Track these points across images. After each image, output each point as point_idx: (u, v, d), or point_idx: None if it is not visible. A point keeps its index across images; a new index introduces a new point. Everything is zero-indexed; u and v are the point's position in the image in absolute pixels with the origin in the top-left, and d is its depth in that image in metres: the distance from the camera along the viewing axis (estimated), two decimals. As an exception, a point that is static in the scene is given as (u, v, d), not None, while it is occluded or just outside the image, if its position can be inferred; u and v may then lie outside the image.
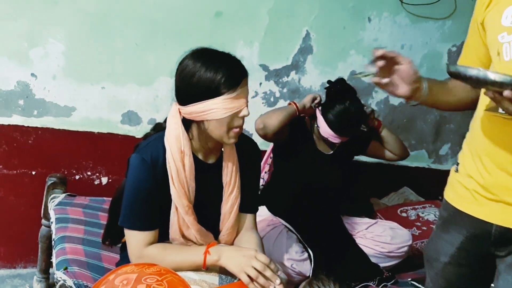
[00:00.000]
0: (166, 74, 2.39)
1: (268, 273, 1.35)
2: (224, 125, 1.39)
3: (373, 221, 2.28)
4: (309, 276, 1.95)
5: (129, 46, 2.30)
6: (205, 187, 1.48)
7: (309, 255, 2.01)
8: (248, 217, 1.62)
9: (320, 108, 2.13)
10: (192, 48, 1.42)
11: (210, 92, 1.35)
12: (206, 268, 1.41)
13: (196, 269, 1.42)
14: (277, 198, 2.20)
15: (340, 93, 2.11)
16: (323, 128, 2.10)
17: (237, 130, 1.42)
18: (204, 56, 1.38)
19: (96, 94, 2.31)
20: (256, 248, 1.48)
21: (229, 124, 1.39)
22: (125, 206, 1.44)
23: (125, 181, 1.46)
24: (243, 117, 1.40)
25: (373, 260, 2.12)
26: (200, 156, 1.50)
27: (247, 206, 1.61)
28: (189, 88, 1.38)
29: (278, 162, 2.26)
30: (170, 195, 1.44)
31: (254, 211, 1.66)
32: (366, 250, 2.15)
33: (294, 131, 2.15)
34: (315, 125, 2.16)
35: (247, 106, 1.40)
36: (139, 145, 1.49)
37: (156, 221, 1.45)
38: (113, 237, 1.63)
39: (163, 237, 1.49)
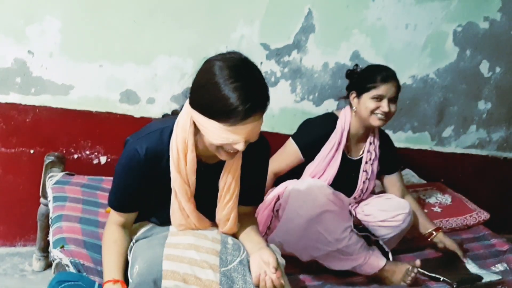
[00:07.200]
0: (165, 53, 2.35)
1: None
2: (214, 146, 1.33)
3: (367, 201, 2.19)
4: None
5: (126, 23, 2.25)
6: (204, 186, 1.46)
7: None
8: (248, 207, 1.61)
9: (351, 94, 2.09)
10: (227, 51, 1.31)
11: (210, 111, 1.26)
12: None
13: None
14: None
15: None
16: (364, 101, 2.04)
17: (230, 152, 1.33)
18: (228, 72, 1.24)
19: (94, 72, 2.28)
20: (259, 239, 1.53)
21: (221, 146, 1.32)
22: (112, 185, 1.50)
23: None
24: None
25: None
26: (202, 156, 1.45)
27: (249, 199, 1.57)
28: (196, 94, 1.31)
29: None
30: (169, 185, 1.43)
31: (256, 204, 1.65)
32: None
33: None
34: (353, 111, 2.09)
35: (245, 142, 1.29)
36: (144, 129, 1.46)
37: (131, 206, 1.49)
38: None
39: (166, 223, 1.51)
